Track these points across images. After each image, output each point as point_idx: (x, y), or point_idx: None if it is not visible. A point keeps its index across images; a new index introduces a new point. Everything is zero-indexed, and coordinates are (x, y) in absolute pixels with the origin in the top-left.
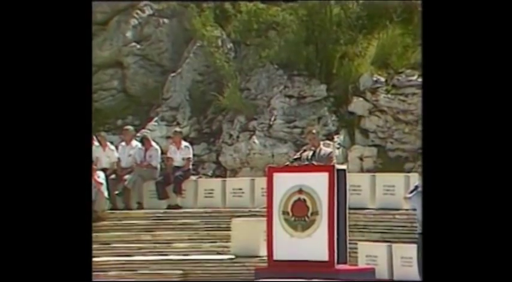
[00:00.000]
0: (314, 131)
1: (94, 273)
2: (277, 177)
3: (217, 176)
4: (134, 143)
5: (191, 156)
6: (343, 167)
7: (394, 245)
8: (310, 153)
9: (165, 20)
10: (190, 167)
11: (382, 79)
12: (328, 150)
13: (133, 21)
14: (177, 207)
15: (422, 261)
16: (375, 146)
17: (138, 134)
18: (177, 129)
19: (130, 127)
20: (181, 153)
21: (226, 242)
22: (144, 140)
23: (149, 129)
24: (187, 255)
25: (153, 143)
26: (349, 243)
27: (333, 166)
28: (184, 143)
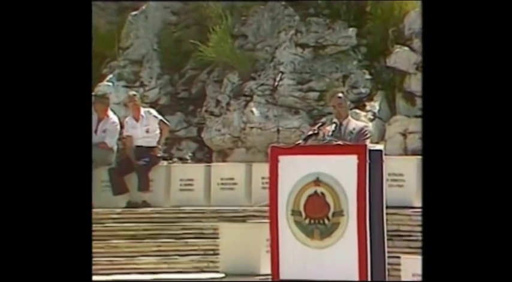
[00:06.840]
0: (341, 94)
1: None
2: (285, 161)
3: (198, 161)
4: None
5: (158, 126)
6: (379, 147)
7: None
8: (333, 126)
9: None
10: (160, 146)
11: None
12: (361, 123)
13: None
14: (142, 204)
15: (422, 262)
16: None
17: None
18: (132, 92)
19: None
20: (143, 124)
21: (213, 254)
22: (97, 104)
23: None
24: (156, 273)
25: (110, 112)
26: (389, 257)
27: (365, 146)
28: (144, 109)
